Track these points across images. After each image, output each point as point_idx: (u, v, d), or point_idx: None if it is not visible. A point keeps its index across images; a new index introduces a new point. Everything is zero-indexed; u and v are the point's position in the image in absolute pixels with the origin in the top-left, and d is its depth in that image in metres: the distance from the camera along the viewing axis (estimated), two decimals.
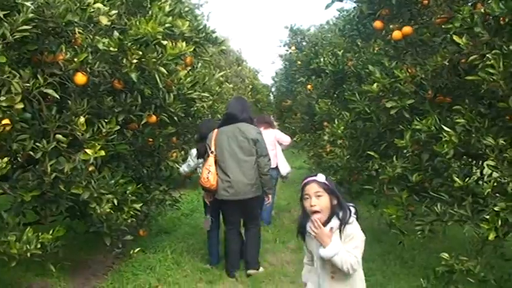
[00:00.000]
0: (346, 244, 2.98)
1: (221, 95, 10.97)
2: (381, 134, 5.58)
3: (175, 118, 5.22)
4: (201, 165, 5.97)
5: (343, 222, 3.02)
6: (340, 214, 3.05)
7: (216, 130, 5.62)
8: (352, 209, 3.13)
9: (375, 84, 4.93)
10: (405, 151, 4.73)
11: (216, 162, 5.53)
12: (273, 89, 23.57)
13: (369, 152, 5.47)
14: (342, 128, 6.27)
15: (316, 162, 10.47)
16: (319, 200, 3.05)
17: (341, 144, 6.54)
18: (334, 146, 6.91)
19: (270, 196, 6.02)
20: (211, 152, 5.55)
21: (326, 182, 3.13)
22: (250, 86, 20.20)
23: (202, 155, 5.86)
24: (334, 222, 3.04)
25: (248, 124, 5.60)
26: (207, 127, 5.98)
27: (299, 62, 12.71)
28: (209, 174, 5.47)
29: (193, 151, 6.50)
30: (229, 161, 5.46)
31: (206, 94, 5.62)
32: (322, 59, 9.47)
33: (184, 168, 6.68)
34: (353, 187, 6.61)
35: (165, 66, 4.35)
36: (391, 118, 5.06)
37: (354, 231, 3.05)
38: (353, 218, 3.09)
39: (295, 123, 12.98)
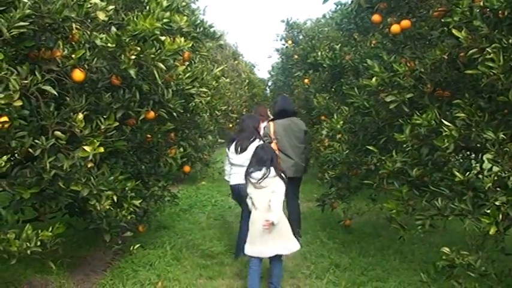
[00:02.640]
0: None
1: (218, 90, 10.96)
2: (380, 129, 5.56)
3: (174, 114, 5.20)
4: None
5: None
6: None
7: (272, 122, 6.94)
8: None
9: (374, 79, 4.92)
10: (405, 145, 4.68)
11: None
12: (269, 83, 23.48)
13: (368, 147, 5.47)
14: (341, 122, 6.23)
15: (314, 156, 10.46)
16: None
17: (340, 139, 6.51)
18: (332, 141, 6.88)
19: None
20: (274, 139, 6.73)
21: None
22: (247, 80, 20.16)
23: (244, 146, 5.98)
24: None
25: (298, 118, 7.27)
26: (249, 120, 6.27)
27: (296, 56, 12.60)
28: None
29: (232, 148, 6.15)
30: (290, 148, 6.81)
31: (204, 89, 5.59)
32: (319, 53, 9.45)
33: (227, 169, 6.40)
34: (352, 181, 6.59)
35: (164, 62, 4.31)
36: (391, 112, 5.04)
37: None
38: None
39: None
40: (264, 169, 4.84)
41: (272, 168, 4.86)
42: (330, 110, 8.79)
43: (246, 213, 5.68)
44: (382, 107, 5.15)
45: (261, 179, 4.83)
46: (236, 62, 20.54)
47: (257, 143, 5.79)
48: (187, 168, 8.70)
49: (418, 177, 4.70)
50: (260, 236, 4.79)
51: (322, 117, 9.47)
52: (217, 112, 8.29)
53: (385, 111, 5.14)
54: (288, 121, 6.89)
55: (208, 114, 8.37)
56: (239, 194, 5.80)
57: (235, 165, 6.03)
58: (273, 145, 6.50)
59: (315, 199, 7.12)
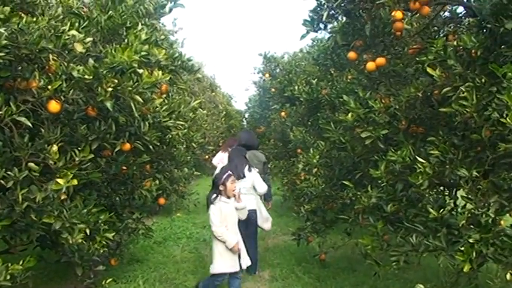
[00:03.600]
0: None
1: (195, 122, 10.96)
2: (355, 164, 5.58)
3: (150, 146, 5.17)
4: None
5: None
6: None
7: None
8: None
9: (350, 114, 4.93)
10: (380, 181, 4.67)
11: None
12: (246, 115, 23.55)
13: (343, 181, 5.46)
14: (317, 157, 6.26)
15: (290, 189, 10.48)
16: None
17: (316, 173, 6.53)
18: (309, 175, 6.91)
19: None
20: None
21: None
22: (224, 112, 20.23)
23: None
24: None
25: (259, 151, 7.93)
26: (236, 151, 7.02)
27: (273, 89, 12.67)
28: None
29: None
30: None
31: (181, 122, 5.57)
32: (296, 87, 9.50)
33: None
34: (327, 215, 6.58)
35: (141, 95, 4.32)
36: (366, 148, 5.04)
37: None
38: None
39: (269, 149, 12.95)
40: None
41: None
42: (307, 144, 8.90)
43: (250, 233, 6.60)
44: (358, 143, 5.14)
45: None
46: (213, 93, 20.62)
47: (254, 170, 6.82)
48: (162, 201, 8.66)
49: (393, 213, 4.70)
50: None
51: (299, 151, 9.56)
52: (193, 144, 8.29)
53: (361, 146, 5.13)
54: (249, 153, 7.31)
55: (184, 146, 8.37)
56: (247, 219, 6.14)
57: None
58: None
59: (291, 233, 7.05)
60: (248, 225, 6.55)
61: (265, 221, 7.11)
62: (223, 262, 5.31)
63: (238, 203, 5.54)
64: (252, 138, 7.91)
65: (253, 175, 6.78)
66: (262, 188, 6.84)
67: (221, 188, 5.38)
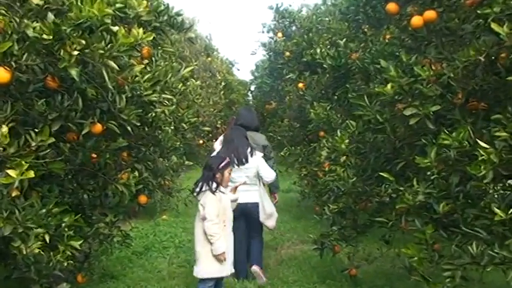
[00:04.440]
0: None
1: (186, 96, 10.94)
2: (397, 150, 5.54)
3: (128, 127, 5.16)
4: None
5: None
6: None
7: None
8: None
9: (389, 85, 4.90)
10: (429, 173, 4.66)
11: None
12: (252, 87, 23.57)
13: (381, 173, 5.41)
14: (346, 141, 6.25)
15: (310, 183, 10.46)
16: None
17: (344, 163, 6.51)
18: (335, 165, 6.88)
19: None
20: None
21: None
22: (223, 83, 20.20)
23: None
24: None
25: (258, 133, 8.08)
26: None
27: (287, 54, 12.62)
28: None
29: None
30: None
31: (168, 96, 5.57)
32: (318, 50, 9.48)
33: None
34: (360, 218, 6.57)
35: (116, 60, 4.31)
36: (411, 129, 5.04)
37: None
38: None
39: (282, 132, 12.94)
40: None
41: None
42: (332, 125, 8.87)
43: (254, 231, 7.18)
44: (400, 122, 5.13)
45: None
46: (209, 59, 20.56)
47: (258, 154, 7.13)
48: (143, 199, 8.67)
49: (446, 214, 4.67)
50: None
51: (321, 134, 9.54)
52: (184, 125, 8.29)
53: (404, 127, 5.13)
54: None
55: (172, 127, 8.37)
56: (249, 215, 6.88)
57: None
58: None
59: (312, 240, 7.06)
60: (251, 222, 7.10)
61: (268, 216, 7.31)
62: (212, 263, 5.67)
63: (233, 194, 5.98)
64: (254, 119, 8.16)
65: (257, 160, 7.08)
66: (270, 175, 7.18)
67: (217, 175, 5.69)
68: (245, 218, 6.97)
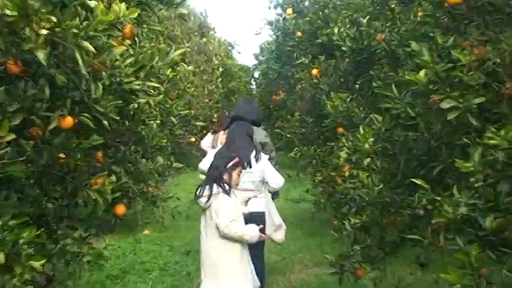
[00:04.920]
0: None
1: (175, 84, 10.84)
2: (432, 151, 5.54)
3: (104, 121, 5.22)
4: None
5: None
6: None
7: (222, 132, 7.79)
8: None
9: (423, 72, 4.86)
10: (473, 179, 4.56)
11: None
12: (256, 74, 23.63)
13: (413, 179, 5.32)
14: (371, 140, 6.22)
15: (326, 191, 10.42)
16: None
17: (368, 166, 6.39)
18: (356, 168, 6.76)
19: None
20: None
21: None
22: (221, 69, 20.30)
23: None
24: None
25: (259, 127, 8.13)
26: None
27: (299, 34, 12.85)
28: None
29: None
30: None
31: (154, 83, 5.67)
32: (336, 30, 9.46)
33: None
34: (388, 234, 6.49)
35: (92, 41, 4.38)
36: (449, 126, 4.98)
37: None
38: None
39: (292, 128, 13.09)
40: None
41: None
42: (353, 120, 8.93)
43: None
44: (436, 117, 5.06)
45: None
46: (204, 39, 20.76)
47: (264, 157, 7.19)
48: (120, 209, 8.65)
49: (494, 231, 4.53)
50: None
51: (340, 130, 9.58)
52: (172, 119, 8.19)
53: (441, 123, 5.06)
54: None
55: (158, 121, 8.28)
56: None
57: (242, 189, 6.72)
58: None
59: (328, 262, 6.90)
60: None
61: (277, 228, 7.37)
62: (245, 280, 5.78)
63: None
64: (252, 111, 8.07)
65: (263, 165, 7.11)
66: (278, 181, 7.22)
67: (225, 177, 5.75)
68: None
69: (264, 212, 7.07)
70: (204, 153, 8.32)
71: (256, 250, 6.81)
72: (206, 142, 8.55)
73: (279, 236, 7.34)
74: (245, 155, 6.83)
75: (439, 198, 4.87)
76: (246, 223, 6.18)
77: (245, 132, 7.19)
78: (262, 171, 7.05)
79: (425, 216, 5.40)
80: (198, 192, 5.85)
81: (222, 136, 7.82)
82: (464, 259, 4.55)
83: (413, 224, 5.80)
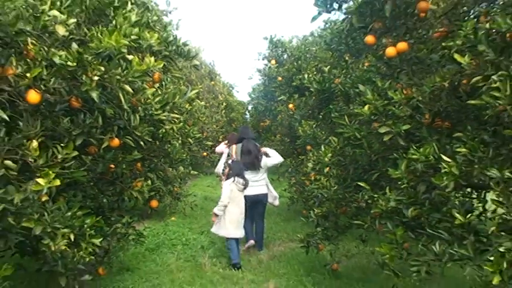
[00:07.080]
0: None
1: (192, 114, 10.92)
2: (372, 162, 5.54)
3: (141, 142, 5.17)
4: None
5: None
6: None
7: (234, 145, 8.97)
8: None
9: (366, 106, 4.90)
10: (400, 182, 4.62)
11: None
12: (249, 107, 23.51)
13: (358, 182, 5.41)
14: (329, 155, 6.27)
15: (298, 191, 10.45)
16: None
17: (328, 173, 6.51)
18: (319, 175, 6.88)
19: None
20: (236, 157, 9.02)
21: None
22: (224, 103, 20.19)
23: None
24: None
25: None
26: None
27: (280, 78, 12.62)
28: None
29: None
30: None
31: (176, 115, 5.56)
32: (306, 76, 9.46)
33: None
34: (340, 220, 6.57)
35: (131, 84, 4.31)
36: (384, 145, 5.02)
37: None
38: None
39: (275, 145, 12.93)
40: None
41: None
42: (317, 140, 8.93)
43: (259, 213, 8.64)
44: (375, 139, 5.11)
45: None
46: (212, 82, 20.57)
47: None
48: (154, 203, 8.64)
49: (414, 218, 4.64)
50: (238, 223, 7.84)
51: (308, 147, 9.56)
52: (190, 140, 8.29)
53: (379, 143, 5.10)
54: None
55: (180, 142, 8.36)
56: (260, 202, 8.51)
57: (252, 181, 8.31)
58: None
59: (299, 239, 7.01)
60: (258, 206, 8.49)
61: (274, 198, 8.79)
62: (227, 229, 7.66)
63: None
64: (250, 132, 9.22)
65: (265, 161, 8.56)
66: (278, 158, 8.77)
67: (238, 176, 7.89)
68: (255, 203, 8.39)
69: (266, 193, 8.56)
70: (218, 155, 10.61)
71: (261, 217, 8.64)
72: (219, 148, 9.60)
73: (277, 202, 8.83)
74: (257, 161, 8.46)
75: (376, 195, 4.98)
76: (254, 202, 8.27)
77: (253, 143, 8.69)
78: (265, 165, 8.54)
79: (366, 208, 5.57)
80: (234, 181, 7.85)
81: (235, 148, 8.86)
82: (392, 237, 4.68)
83: (358, 213, 5.94)
